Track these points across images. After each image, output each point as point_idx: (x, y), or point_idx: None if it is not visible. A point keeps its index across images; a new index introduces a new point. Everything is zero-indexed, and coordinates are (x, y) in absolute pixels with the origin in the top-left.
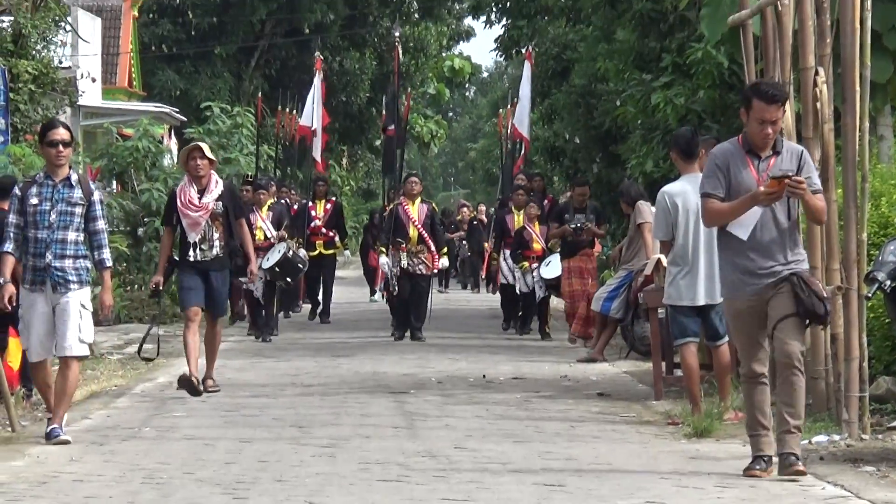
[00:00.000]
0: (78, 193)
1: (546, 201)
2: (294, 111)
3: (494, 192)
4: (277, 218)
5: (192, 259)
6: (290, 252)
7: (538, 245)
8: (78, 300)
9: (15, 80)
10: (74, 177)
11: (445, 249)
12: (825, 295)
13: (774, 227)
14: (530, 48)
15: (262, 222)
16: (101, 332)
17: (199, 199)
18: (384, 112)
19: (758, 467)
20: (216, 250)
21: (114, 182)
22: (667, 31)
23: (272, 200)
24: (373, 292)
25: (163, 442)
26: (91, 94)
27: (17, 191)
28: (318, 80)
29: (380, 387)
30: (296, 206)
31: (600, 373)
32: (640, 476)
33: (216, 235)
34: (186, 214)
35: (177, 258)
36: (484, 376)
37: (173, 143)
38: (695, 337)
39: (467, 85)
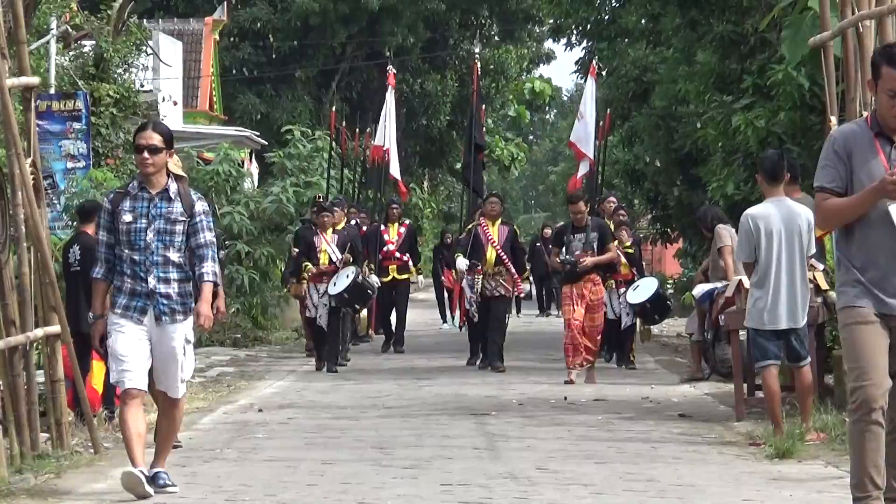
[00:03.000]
0: (178, 208)
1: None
2: (371, 133)
3: None
4: (342, 241)
5: None
6: (360, 277)
7: (626, 269)
8: (183, 335)
9: (97, 104)
10: (174, 187)
11: (527, 273)
12: None
13: None
14: (594, 64)
15: (327, 245)
16: None
17: None
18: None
19: None
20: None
21: None
22: (747, 53)
23: (343, 223)
24: (444, 319)
25: (245, 464)
26: (172, 117)
27: (107, 203)
28: (390, 96)
29: (461, 409)
30: (364, 228)
31: (682, 394)
32: (722, 497)
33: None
34: None
35: None
36: (566, 398)
37: (254, 167)
38: (776, 359)
39: (548, 108)
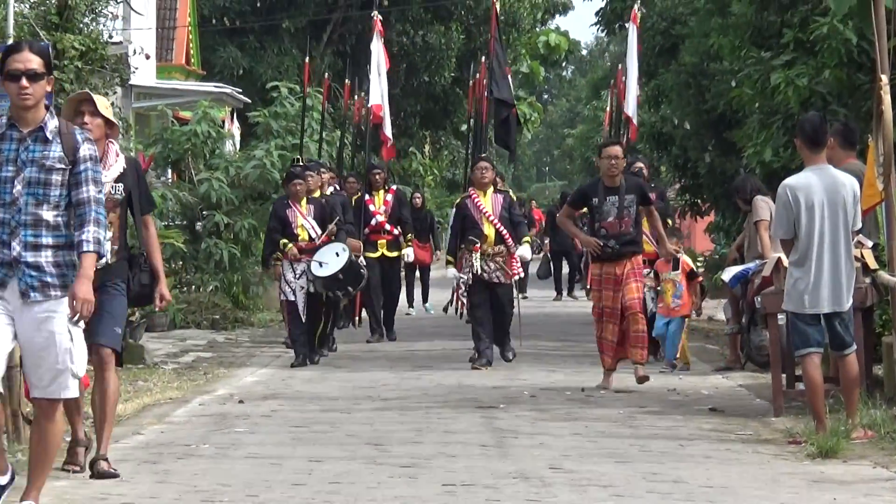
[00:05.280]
0: (56, 152)
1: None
2: (363, 93)
3: None
4: (320, 212)
5: None
6: (351, 254)
7: (650, 247)
8: (65, 314)
9: (60, 56)
10: (52, 124)
11: (527, 238)
12: None
13: None
14: (636, 9)
15: (303, 219)
16: (155, 339)
17: None
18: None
19: None
20: (106, 257)
21: (169, 171)
22: (788, 4)
23: (321, 192)
24: (410, 303)
25: (223, 461)
26: (144, 72)
27: None
28: (378, 45)
29: (466, 401)
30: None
31: (713, 386)
32: (758, 500)
33: (108, 234)
34: None
35: None
36: (583, 389)
37: (236, 128)
38: (818, 347)
39: (564, 64)
